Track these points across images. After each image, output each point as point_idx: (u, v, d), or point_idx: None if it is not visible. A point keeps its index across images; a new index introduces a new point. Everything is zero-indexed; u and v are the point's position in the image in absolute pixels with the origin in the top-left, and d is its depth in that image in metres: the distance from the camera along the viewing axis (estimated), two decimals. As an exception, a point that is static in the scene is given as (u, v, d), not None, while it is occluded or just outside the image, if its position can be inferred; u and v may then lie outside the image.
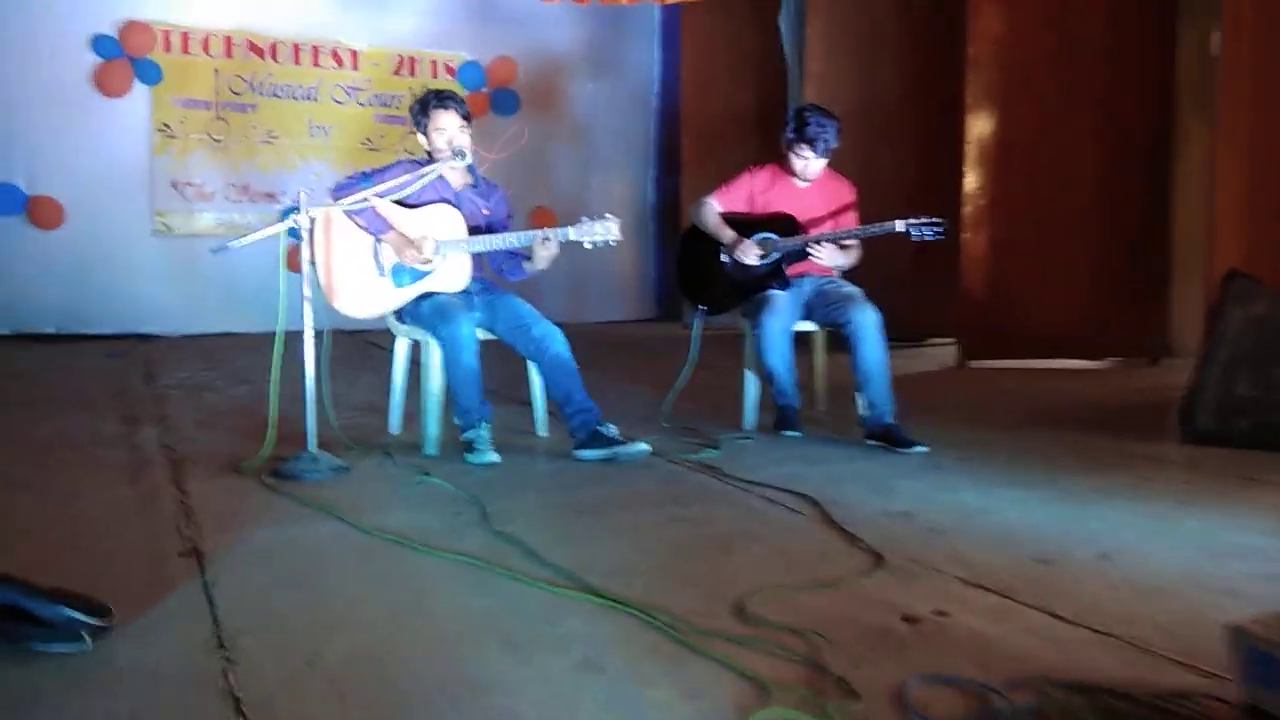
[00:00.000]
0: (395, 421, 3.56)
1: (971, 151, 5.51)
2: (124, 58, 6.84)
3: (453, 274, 3.23)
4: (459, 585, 2.07)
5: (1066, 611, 1.89)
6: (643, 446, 3.17)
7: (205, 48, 7.19)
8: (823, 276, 3.70)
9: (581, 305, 8.25)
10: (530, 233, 3.23)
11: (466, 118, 3.28)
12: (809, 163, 3.58)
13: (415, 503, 2.72)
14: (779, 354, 3.53)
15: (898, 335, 6.48)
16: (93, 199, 6.89)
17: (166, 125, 7.08)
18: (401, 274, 3.23)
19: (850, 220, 3.69)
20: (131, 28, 6.82)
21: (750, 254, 3.58)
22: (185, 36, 7.10)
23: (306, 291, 2.97)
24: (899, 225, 3.44)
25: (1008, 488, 2.87)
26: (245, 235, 2.92)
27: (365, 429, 3.60)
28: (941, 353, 6.03)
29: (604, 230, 3.20)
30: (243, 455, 3.10)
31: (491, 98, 8.03)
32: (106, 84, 6.80)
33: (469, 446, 3.15)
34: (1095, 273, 5.57)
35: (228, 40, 7.25)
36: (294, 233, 2.95)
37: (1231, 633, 1.45)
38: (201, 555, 2.21)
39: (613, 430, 3.18)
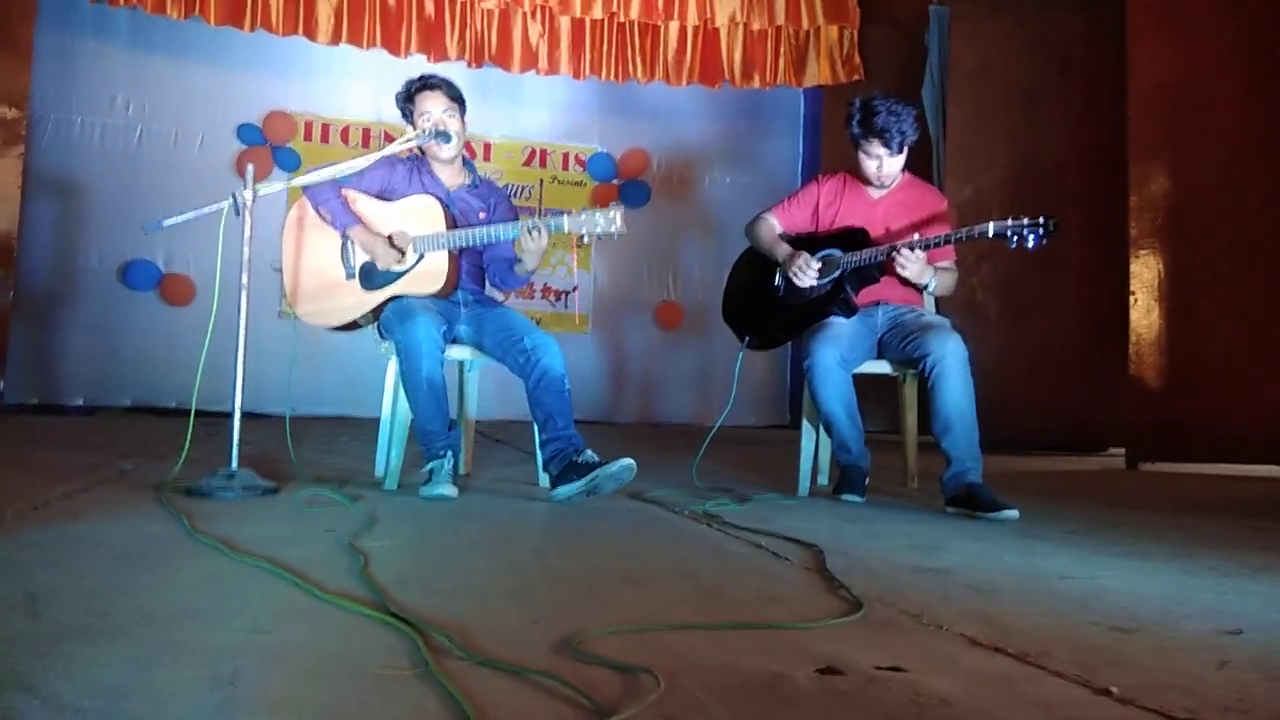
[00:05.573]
0: (380, 461, 3.03)
1: (1140, 211, 4.58)
2: (265, 145, 7.07)
3: (428, 275, 2.74)
4: (203, 585, 1.47)
5: (1121, 685, 1.06)
6: (626, 461, 2.46)
7: (344, 137, 7.35)
8: (903, 305, 2.94)
9: (707, 407, 7.60)
10: (516, 224, 2.71)
11: (456, 100, 2.86)
12: (883, 162, 2.89)
13: (296, 519, 2.17)
14: (835, 393, 2.77)
15: (1063, 442, 5.52)
16: (223, 279, 7.02)
17: (301, 211, 7.20)
18: (372, 275, 2.78)
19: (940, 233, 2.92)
20: (275, 117, 7.07)
21: (807, 272, 2.89)
22: (326, 127, 7.30)
23: (244, 279, 2.58)
24: (991, 228, 2.67)
25: (1120, 558, 1.97)
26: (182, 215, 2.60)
27: (357, 472, 3.10)
28: (1114, 462, 4.90)
29: (605, 220, 2.64)
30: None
31: (622, 189, 7.79)
32: (246, 170, 7.02)
33: (426, 479, 2.57)
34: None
35: (366, 131, 7.39)
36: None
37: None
38: (-30, 539, 1.74)
39: (591, 456, 2.52)
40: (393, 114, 7.27)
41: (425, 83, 2.83)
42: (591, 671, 1.07)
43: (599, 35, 6.74)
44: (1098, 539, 2.21)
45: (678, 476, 3.16)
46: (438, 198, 2.80)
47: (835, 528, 2.26)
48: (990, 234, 2.66)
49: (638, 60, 6.81)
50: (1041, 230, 2.59)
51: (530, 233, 2.65)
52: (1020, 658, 1.19)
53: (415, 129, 2.83)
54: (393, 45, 6.42)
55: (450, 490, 2.54)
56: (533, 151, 7.75)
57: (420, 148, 2.86)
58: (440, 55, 6.51)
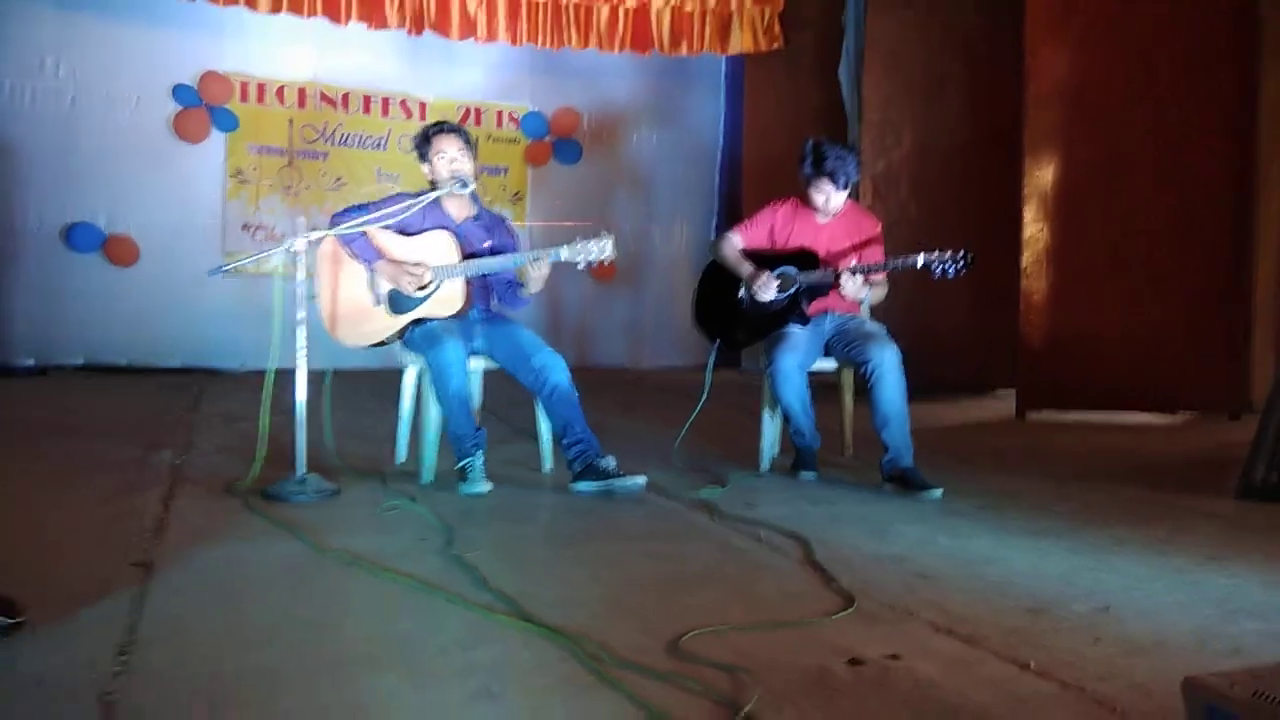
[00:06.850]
0: (401, 451, 3.51)
1: (1031, 195, 5.28)
2: (202, 106, 7.12)
3: (446, 300, 3.19)
4: (387, 607, 1.98)
5: (1035, 663, 1.69)
6: (639, 479, 3.04)
7: (280, 98, 7.45)
8: (845, 314, 3.54)
9: (638, 351, 8.19)
10: (521, 255, 3.19)
11: (469, 144, 3.27)
12: (829, 197, 3.45)
13: (386, 526, 2.65)
14: (794, 392, 3.37)
15: (959, 386, 6.32)
16: (167, 239, 7.14)
17: (240, 171, 7.34)
18: (397, 301, 3.21)
19: (875, 254, 3.52)
20: (210, 78, 7.11)
21: (768, 289, 3.45)
22: (261, 87, 7.38)
23: (301, 313, 2.98)
24: (920, 259, 3.27)
25: (1023, 536, 2.64)
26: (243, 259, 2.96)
27: (377, 459, 3.56)
28: (1001, 405, 5.72)
29: (598, 249, 3.15)
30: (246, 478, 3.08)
31: (554, 146, 8.13)
32: (185, 131, 7.09)
33: (462, 475, 3.07)
34: (1169, 322, 5.21)
35: (301, 91, 7.49)
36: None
37: (1186, 686, 1.25)
38: (151, 566, 2.18)
39: (611, 463, 3.07)
40: (329, 75, 7.46)
41: (442, 128, 3.25)
42: (700, 669, 1.64)
43: (534, 6, 6.99)
44: (1003, 515, 2.89)
45: (655, 454, 3.71)
46: (450, 230, 3.23)
47: (804, 512, 2.87)
48: (919, 265, 3.26)
49: (572, 30, 7.11)
50: (962, 263, 3.20)
51: (533, 264, 3.14)
52: (968, 641, 1.81)
53: (430, 166, 3.25)
54: (333, 13, 6.56)
55: (485, 486, 3.04)
56: (467, 110, 8.00)
57: (433, 183, 3.27)
58: (380, 23, 6.68)
